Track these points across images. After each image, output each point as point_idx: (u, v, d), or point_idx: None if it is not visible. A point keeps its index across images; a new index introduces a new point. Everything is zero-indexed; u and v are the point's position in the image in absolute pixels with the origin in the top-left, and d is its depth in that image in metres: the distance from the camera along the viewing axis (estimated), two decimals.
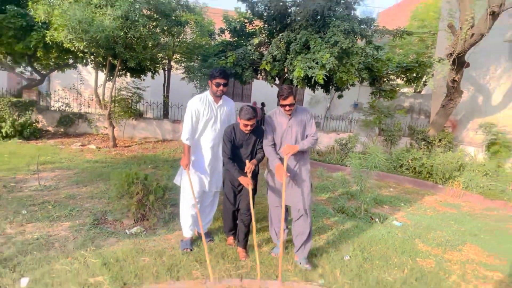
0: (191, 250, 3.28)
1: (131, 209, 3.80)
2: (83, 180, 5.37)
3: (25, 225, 3.57)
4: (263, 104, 14.47)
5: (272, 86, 9.99)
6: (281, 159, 3.18)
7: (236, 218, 3.50)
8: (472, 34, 6.85)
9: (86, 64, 9.02)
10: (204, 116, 3.27)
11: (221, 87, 3.23)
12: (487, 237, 4.53)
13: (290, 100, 3.12)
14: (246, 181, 3.07)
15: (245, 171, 3.13)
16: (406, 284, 3.02)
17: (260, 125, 3.36)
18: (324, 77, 7.53)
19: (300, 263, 3.17)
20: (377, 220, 4.76)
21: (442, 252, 3.87)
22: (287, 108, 3.16)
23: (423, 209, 5.67)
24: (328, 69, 7.44)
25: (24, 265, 2.79)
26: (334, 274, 3.07)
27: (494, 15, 6.40)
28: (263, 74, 9.91)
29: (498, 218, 5.51)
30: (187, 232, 3.42)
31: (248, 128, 3.13)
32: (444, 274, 3.33)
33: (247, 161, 3.17)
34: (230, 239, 3.54)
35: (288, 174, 3.12)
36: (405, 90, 15.31)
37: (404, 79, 11.07)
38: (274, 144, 3.29)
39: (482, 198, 6.41)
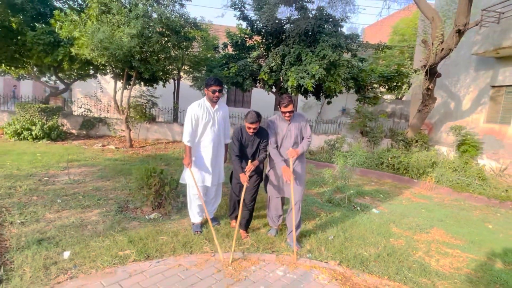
0: (201, 232, 3.55)
1: (149, 198, 4.08)
2: (106, 175, 5.67)
3: (61, 211, 3.86)
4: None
5: (269, 94, 10.29)
6: (285, 161, 3.40)
7: (238, 206, 3.72)
8: (442, 49, 7.17)
9: (105, 74, 9.32)
10: (203, 120, 3.39)
11: (216, 93, 3.36)
12: (452, 223, 4.84)
13: (290, 107, 3.33)
14: (243, 179, 3.24)
15: (245, 170, 3.31)
16: (379, 258, 3.32)
17: (263, 129, 3.54)
18: (314, 86, 7.84)
19: (290, 245, 3.45)
20: (358, 208, 5.06)
21: (412, 234, 4.17)
22: (287, 114, 3.35)
23: (399, 199, 5.97)
24: (317, 78, 7.76)
25: (65, 242, 3.08)
26: (320, 250, 3.37)
27: (460, 33, 6.72)
28: (261, 83, 10.23)
29: (463, 207, 5.82)
30: (196, 218, 3.65)
31: (252, 130, 3.33)
32: (412, 250, 3.63)
33: (249, 161, 3.35)
34: (233, 222, 3.78)
35: (294, 176, 3.33)
36: (388, 97, 15.62)
37: (386, 87, 11.41)
38: (277, 147, 3.50)
39: (451, 191, 6.72)
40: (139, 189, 4.09)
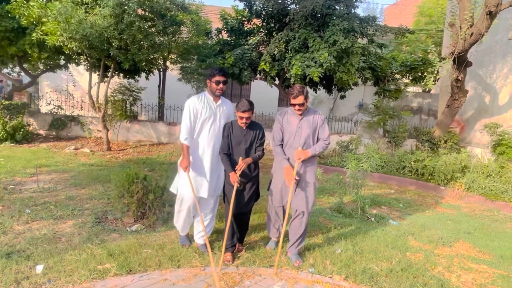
0: (189, 245, 3.76)
1: (131, 207, 4.30)
2: (81, 183, 5.90)
3: (31, 223, 4.10)
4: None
5: (272, 87, 10.51)
6: (289, 160, 3.51)
7: (237, 226, 3.61)
8: (471, 34, 7.40)
9: (78, 64, 9.57)
10: (203, 115, 3.46)
11: (220, 85, 3.45)
12: (481, 235, 5.03)
13: (300, 99, 3.36)
14: (233, 178, 3.30)
15: (235, 168, 3.35)
16: (391, 273, 3.53)
17: (256, 123, 3.61)
18: (321, 75, 8.05)
19: (291, 259, 3.63)
20: (373, 219, 5.26)
21: (433, 248, 4.37)
22: (297, 107, 3.42)
23: (422, 209, 6.17)
24: (325, 68, 7.98)
25: (37, 255, 3.31)
26: (324, 264, 3.58)
27: (491, 15, 6.94)
28: (262, 74, 10.46)
29: (496, 218, 6.01)
30: (185, 229, 3.79)
31: (244, 120, 3.40)
32: (431, 265, 3.83)
33: (240, 158, 3.39)
34: (228, 255, 3.54)
35: (297, 178, 3.43)
36: (413, 89, 15.83)
37: (410, 78, 11.61)
38: (282, 145, 3.61)
39: (484, 199, 6.91)
40: (119, 198, 4.32)
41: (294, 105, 3.45)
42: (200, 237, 3.78)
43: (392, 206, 6.19)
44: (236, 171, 3.35)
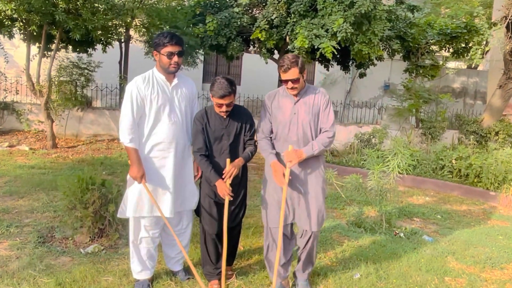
0: None
1: (85, 222, 4.33)
2: (18, 191, 5.91)
3: None
4: None
5: (267, 63, 10.54)
6: (278, 154, 3.41)
7: (217, 249, 3.60)
8: None
9: (11, 35, 9.48)
10: (153, 102, 3.27)
11: (174, 58, 3.23)
12: None
13: (292, 73, 3.16)
14: (222, 188, 3.23)
15: (223, 176, 3.28)
16: None
17: (241, 107, 3.54)
18: (334, 50, 8.09)
19: (298, 285, 3.66)
20: (402, 235, 5.34)
21: (479, 271, 4.46)
22: (289, 85, 3.22)
23: (465, 221, 6.28)
24: (340, 38, 8.02)
25: None
26: None
27: None
28: (256, 45, 10.47)
29: None
30: (142, 273, 3.51)
31: (224, 109, 3.24)
32: None
33: (227, 161, 3.31)
34: (214, 283, 3.54)
35: (290, 177, 3.26)
36: (454, 64, 15.96)
37: (451, 50, 11.71)
38: (271, 138, 3.50)
39: None
40: (70, 210, 4.34)
41: (286, 81, 3.25)
42: (175, 263, 3.78)
43: (427, 218, 6.28)
44: (225, 179, 3.28)
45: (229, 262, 3.80)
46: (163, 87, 3.34)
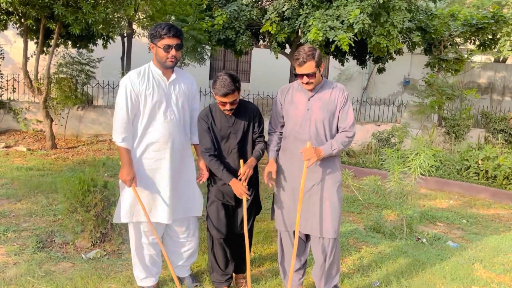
0: None
1: (87, 226, 4.36)
2: (16, 194, 5.96)
3: None
4: None
5: (277, 57, 10.51)
6: (278, 151, 3.45)
7: (226, 255, 3.60)
8: None
9: (5, 28, 9.53)
10: (148, 99, 3.24)
11: (172, 51, 3.20)
12: None
13: (308, 67, 3.12)
14: (238, 188, 3.24)
15: (239, 177, 3.29)
16: None
17: (248, 102, 3.54)
18: (352, 43, 8.05)
19: None
20: (424, 240, 5.30)
21: (510, 280, 4.40)
22: (305, 80, 3.18)
23: (493, 227, 6.21)
24: (356, 30, 7.98)
25: None
26: None
27: None
28: (266, 39, 10.45)
29: None
30: (146, 280, 3.52)
31: (228, 107, 3.24)
32: None
33: (241, 161, 3.32)
34: None
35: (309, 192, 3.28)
36: (480, 58, 15.80)
37: (476, 42, 11.59)
38: (281, 134, 3.47)
39: None
40: (70, 213, 4.37)
41: (301, 76, 3.19)
42: (181, 268, 3.76)
43: (452, 223, 6.22)
44: (241, 180, 3.28)
45: (242, 269, 3.77)
46: (160, 82, 3.32)
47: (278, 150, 3.48)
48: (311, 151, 3.14)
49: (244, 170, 3.27)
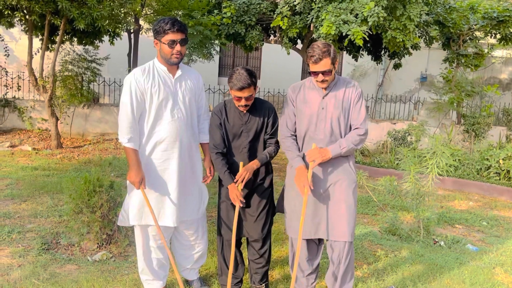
0: None
1: (93, 228, 4.37)
2: (21, 194, 6.02)
3: None
4: None
5: (289, 53, 10.48)
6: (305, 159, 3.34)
7: (241, 255, 3.64)
8: None
9: (11, 25, 9.65)
10: (154, 97, 3.23)
11: (177, 47, 3.17)
12: None
13: (324, 64, 3.09)
14: (233, 193, 3.22)
15: (235, 179, 3.26)
16: None
17: (264, 101, 3.51)
18: (366, 37, 7.99)
19: None
20: (442, 243, 5.26)
21: None
22: (320, 77, 3.15)
23: None
24: (371, 24, 7.92)
25: None
26: None
27: None
28: (277, 34, 10.43)
29: None
30: (153, 284, 3.52)
31: (243, 102, 3.22)
32: None
33: (241, 164, 3.31)
34: None
35: (311, 187, 3.19)
36: (501, 53, 15.61)
37: (497, 36, 11.46)
38: (296, 136, 3.43)
39: None
40: (76, 214, 4.39)
41: (315, 73, 3.15)
42: (190, 271, 3.76)
43: (471, 225, 6.16)
44: (237, 183, 3.26)
45: (263, 278, 3.69)
46: (165, 79, 3.31)
47: (303, 157, 3.35)
48: (315, 152, 3.15)
49: (241, 173, 3.25)
